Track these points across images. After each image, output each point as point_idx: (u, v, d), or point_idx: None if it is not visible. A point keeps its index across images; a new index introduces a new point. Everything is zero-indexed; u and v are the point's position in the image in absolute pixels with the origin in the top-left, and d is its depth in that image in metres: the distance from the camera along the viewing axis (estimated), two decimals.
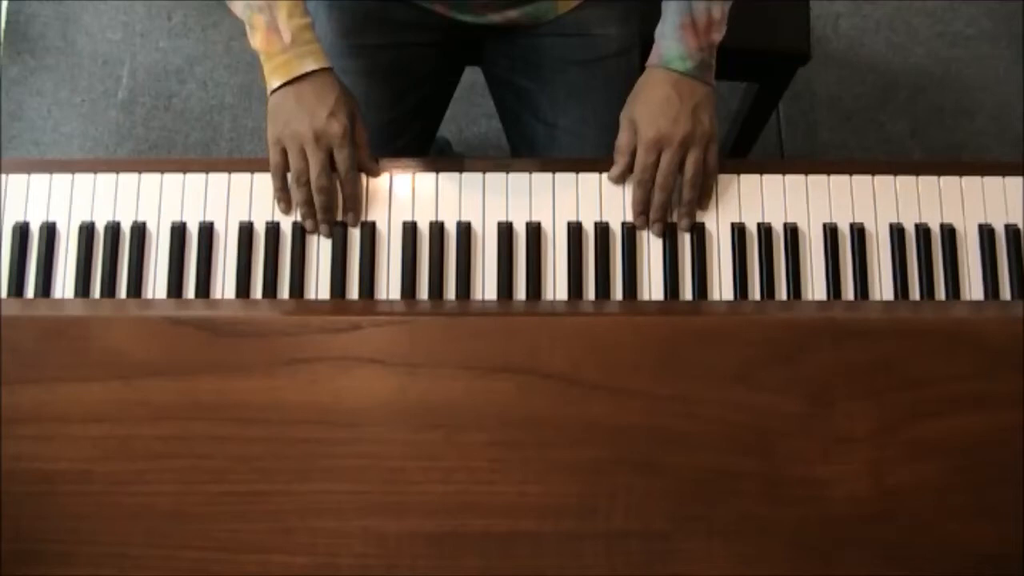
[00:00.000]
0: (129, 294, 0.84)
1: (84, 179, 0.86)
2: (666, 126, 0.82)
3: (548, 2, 0.94)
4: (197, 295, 0.83)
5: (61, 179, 0.86)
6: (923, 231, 0.85)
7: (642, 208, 0.84)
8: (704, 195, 0.85)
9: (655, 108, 0.83)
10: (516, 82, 1.02)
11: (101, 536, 0.60)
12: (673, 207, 0.84)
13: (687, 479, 0.60)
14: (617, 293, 0.84)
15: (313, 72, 0.82)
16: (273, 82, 0.83)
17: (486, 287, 0.84)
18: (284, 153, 0.83)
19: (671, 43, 0.83)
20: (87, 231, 0.84)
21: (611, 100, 0.88)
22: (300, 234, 0.84)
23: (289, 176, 0.84)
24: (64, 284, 0.84)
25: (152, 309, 0.77)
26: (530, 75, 0.99)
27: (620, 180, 0.85)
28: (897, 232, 0.85)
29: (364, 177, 0.86)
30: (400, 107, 1.01)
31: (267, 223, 0.85)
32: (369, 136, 0.87)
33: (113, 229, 0.84)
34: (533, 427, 0.61)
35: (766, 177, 0.86)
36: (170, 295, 0.84)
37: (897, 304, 0.83)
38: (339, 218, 0.84)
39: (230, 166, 0.86)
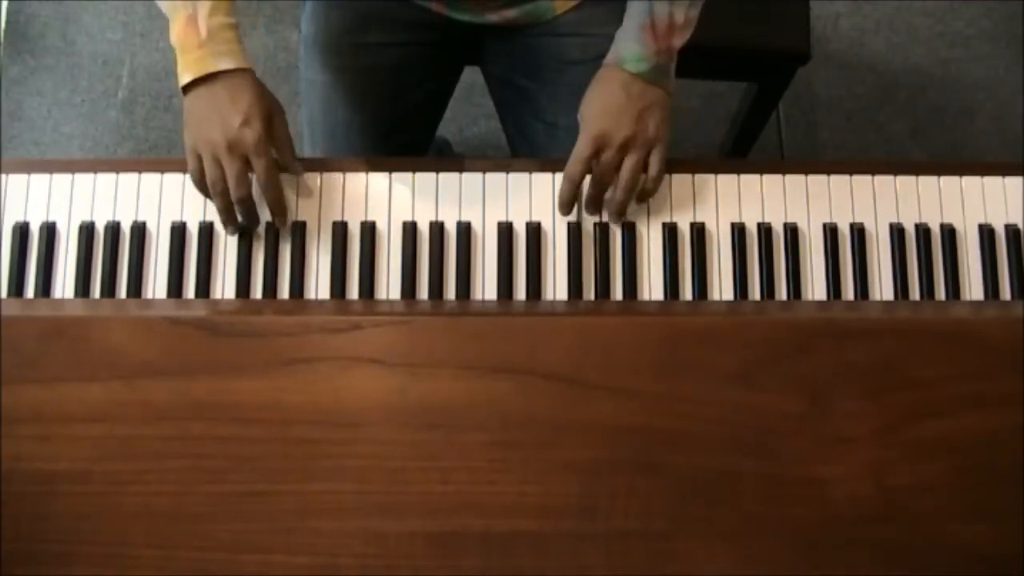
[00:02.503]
0: (129, 294, 0.84)
1: (84, 179, 0.86)
2: (609, 126, 0.81)
3: (546, 2, 0.94)
4: (197, 295, 0.83)
5: (61, 179, 0.86)
6: (923, 231, 0.85)
7: (567, 200, 0.83)
8: (643, 196, 0.84)
9: (602, 107, 0.83)
10: (515, 82, 1.02)
11: (101, 536, 0.60)
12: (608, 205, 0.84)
13: (687, 479, 0.60)
14: (617, 293, 0.84)
15: (228, 72, 0.80)
16: (184, 77, 0.80)
17: (486, 287, 0.84)
18: (200, 160, 0.81)
19: (629, 44, 0.83)
20: (87, 231, 0.84)
21: None
22: (300, 234, 0.84)
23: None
24: (64, 284, 0.84)
25: (152, 309, 0.77)
26: (529, 75, 0.99)
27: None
28: (897, 232, 0.85)
29: (304, 178, 0.85)
30: (398, 106, 1.01)
31: (267, 223, 0.85)
32: (353, 141, 0.86)
33: (113, 229, 0.84)
34: (533, 427, 0.61)
35: (766, 177, 0.86)
36: (170, 295, 0.84)
37: (897, 304, 0.83)
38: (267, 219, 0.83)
39: None
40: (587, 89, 0.86)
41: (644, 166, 0.83)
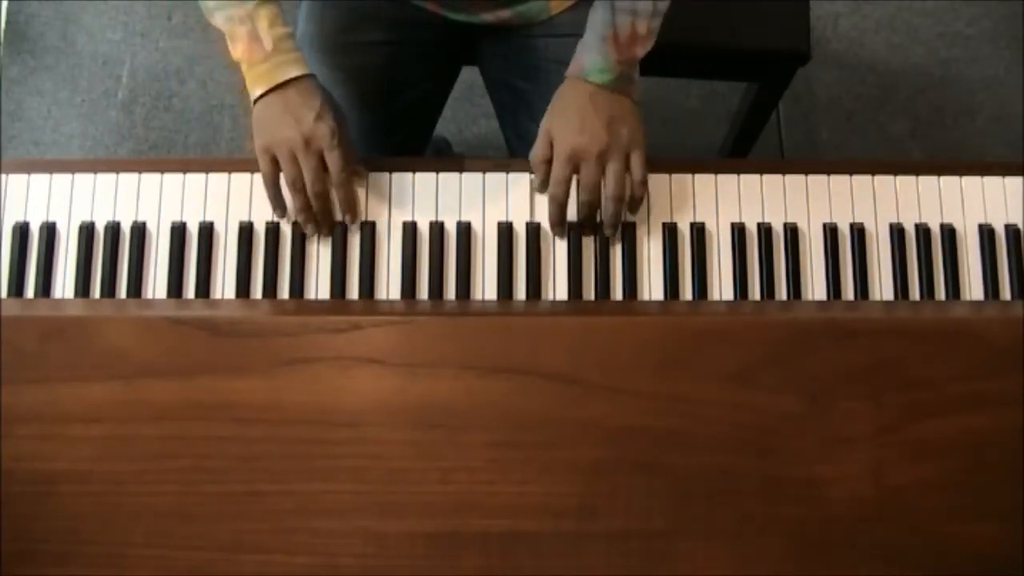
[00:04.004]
0: (129, 294, 0.84)
1: (84, 179, 0.86)
2: (581, 140, 0.81)
3: (541, 2, 0.94)
4: (197, 295, 0.83)
5: (61, 179, 0.86)
6: (923, 231, 0.85)
7: (557, 220, 0.83)
8: (635, 204, 0.84)
9: (570, 121, 0.82)
10: (511, 82, 1.02)
11: (101, 536, 0.60)
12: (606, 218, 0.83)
13: (687, 479, 0.60)
14: (617, 293, 0.84)
15: (296, 78, 0.82)
16: (256, 90, 0.82)
17: (486, 287, 0.84)
18: (274, 161, 0.82)
19: (592, 54, 0.83)
20: (87, 231, 0.84)
21: None
22: (300, 234, 0.84)
23: (282, 183, 0.83)
24: (64, 284, 0.84)
25: (152, 309, 0.77)
26: (525, 75, 0.99)
27: (543, 189, 0.85)
28: (897, 232, 0.85)
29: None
30: (393, 105, 1.01)
31: (267, 223, 0.85)
32: (355, 139, 0.87)
33: (113, 229, 0.84)
34: (533, 427, 0.61)
35: (766, 177, 0.86)
36: (170, 295, 0.83)
37: (897, 304, 0.83)
38: (337, 219, 0.84)
39: (230, 166, 0.86)
40: (552, 102, 0.85)
41: (626, 172, 0.83)
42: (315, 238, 0.85)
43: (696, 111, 1.71)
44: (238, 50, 0.83)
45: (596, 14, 0.83)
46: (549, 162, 0.84)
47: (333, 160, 0.81)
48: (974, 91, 1.72)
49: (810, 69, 1.42)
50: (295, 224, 0.84)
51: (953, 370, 0.62)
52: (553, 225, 0.84)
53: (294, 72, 0.82)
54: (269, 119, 0.82)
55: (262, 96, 0.82)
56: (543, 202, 0.85)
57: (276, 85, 0.82)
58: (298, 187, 0.82)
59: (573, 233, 0.84)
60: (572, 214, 0.84)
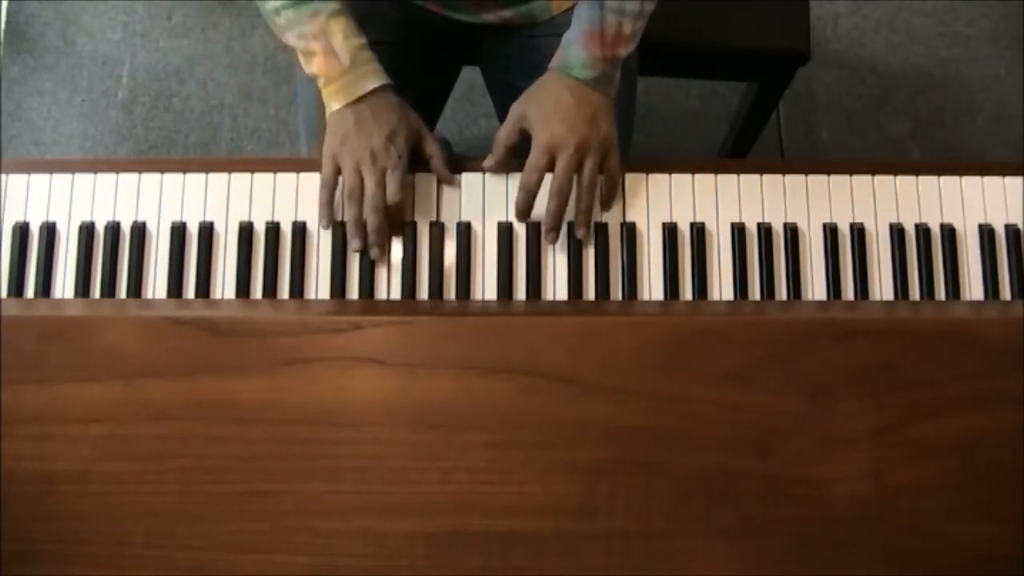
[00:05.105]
0: (129, 294, 0.84)
1: (84, 179, 0.86)
2: (561, 131, 0.81)
3: (543, 2, 0.94)
4: (197, 295, 0.83)
5: (61, 179, 0.86)
6: (923, 231, 0.85)
7: (524, 209, 0.83)
8: (607, 200, 0.84)
9: (550, 111, 0.82)
10: (513, 82, 1.02)
11: (101, 536, 0.60)
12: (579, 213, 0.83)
13: (687, 479, 0.60)
14: (617, 293, 0.84)
15: (373, 91, 0.82)
16: (333, 104, 0.83)
17: (486, 287, 0.84)
18: (337, 169, 0.82)
19: (576, 49, 0.83)
20: (87, 231, 0.84)
21: None
22: (300, 234, 0.84)
23: (338, 192, 0.83)
24: (64, 284, 0.84)
25: (152, 309, 0.77)
26: (526, 75, 0.99)
27: (496, 170, 0.85)
28: (897, 232, 0.85)
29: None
30: None
31: (267, 223, 0.85)
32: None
33: (113, 229, 0.84)
34: (533, 427, 0.61)
35: (766, 177, 0.86)
36: (170, 295, 0.83)
37: (897, 304, 0.83)
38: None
39: (230, 166, 0.86)
40: (529, 91, 0.85)
41: (600, 169, 0.82)
42: (315, 237, 0.84)
43: (696, 111, 1.71)
44: (314, 66, 0.83)
45: (583, 11, 0.83)
46: (511, 148, 0.84)
47: (392, 182, 0.81)
48: (974, 91, 1.72)
49: (810, 69, 1.42)
50: (295, 224, 0.84)
51: (953, 370, 0.62)
52: (519, 214, 0.83)
53: (372, 84, 0.82)
54: (341, 128, 0.82)
55: (338, 108, 0.82)
56: (542, 202, 0.85)
57: (354, 100, 0.82)
58: (355, 197, 0.81)
59: (573, 233, 0.84)
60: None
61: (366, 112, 0.82)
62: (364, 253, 0.83)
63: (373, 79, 0.83)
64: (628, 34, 0.83)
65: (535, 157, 0.82)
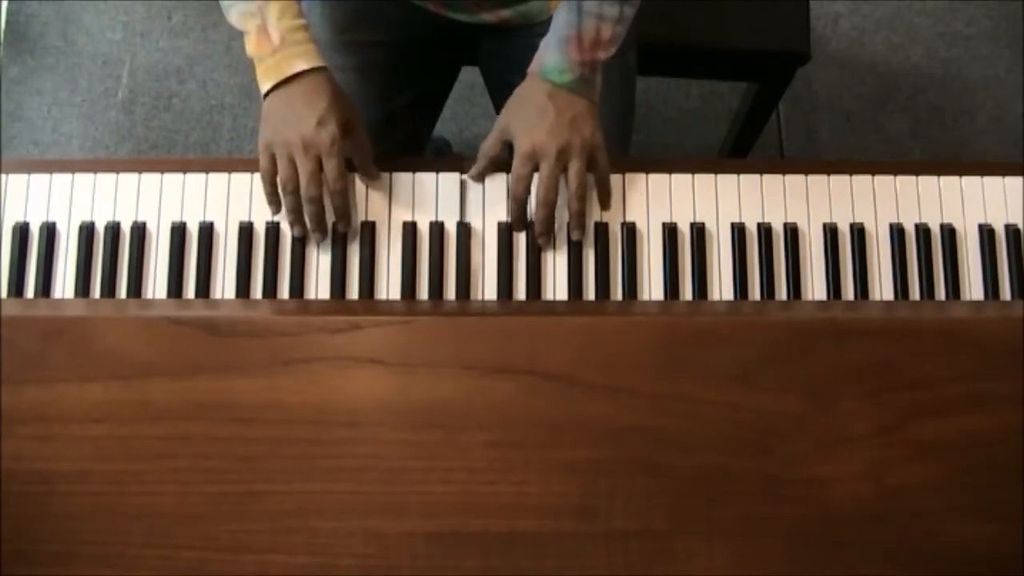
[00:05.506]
0: (129, 294, 0.84)
1: (84, 179, 0.86)
2: (542, 138, 0.80)
3: (542, 2, 0.94)
4: (197, 295, 0.83)
5: (61, 179, 0.86)
6: (923, 231, 0.85)
7: (518, 218, 0.83)
8: (605, 197, 0.84)
9: (530, 119, 0.82)
10: (512, 82, 1.01)
11: (101, 536, 0.60)
12: (571, 217, 0.83)
13: (687, 479, 0.60)
14: (617, 293, 0.84)
15: (304, 73, 0.80)
16: (264, 85, 0.81)
17: (486, 287, 0.84)
18: (273, 159, 0.81)
19: (554, 54, 0.82)
20: (87, 231, 0.84)
21: (606, 101, 0.88)
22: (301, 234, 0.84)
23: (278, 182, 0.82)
24: (64, 284, 0.84)
25: (152, 309, 0.77)
26: (525, 75, 1.00)
27: (477, 179, 0.85)
28: (897, 232, 0.85)
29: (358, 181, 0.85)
30: (392, 104, 1.00)
31: (267, 223, 0.85)
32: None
33: (113, 229, 0.84)
34: (533, 427, 0.61)
35: (766, 177, 0.86)
36: (170, 295, 0.83)
37: (897, 304, 0.83)
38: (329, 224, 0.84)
39: (230, 166, 0.86)
40: (510, 100, 0.85)
41: (589, 170, 0.82)
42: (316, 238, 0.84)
43: (696, 111, 1.71)
44: (249, 45, 0.82)
45: (561, 14, 0.83)
46: (494, 159, 0.84)
47: (330, 169, 0.80)
48: (974, 91, 1.72)
49: (810, 69, 1.42)
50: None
51: (953, 370, 0.62)
52: (514, 224, 0.84)
53: (301, 65, 0.80)
54: (273, 117, 0.81)
55: (271, 91, 0.81)
56: None
57: (283, 80, 0.80)
58: (289, 189, 0.80)
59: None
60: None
61: (296, 96, 0.80)
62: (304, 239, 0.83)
63: (303, 60, 0.80)
64: (607, 39, 0.82)
65: (518, 166, 0.81)
